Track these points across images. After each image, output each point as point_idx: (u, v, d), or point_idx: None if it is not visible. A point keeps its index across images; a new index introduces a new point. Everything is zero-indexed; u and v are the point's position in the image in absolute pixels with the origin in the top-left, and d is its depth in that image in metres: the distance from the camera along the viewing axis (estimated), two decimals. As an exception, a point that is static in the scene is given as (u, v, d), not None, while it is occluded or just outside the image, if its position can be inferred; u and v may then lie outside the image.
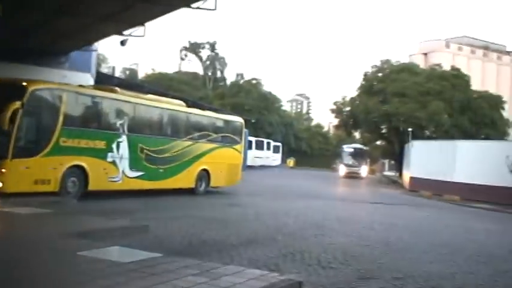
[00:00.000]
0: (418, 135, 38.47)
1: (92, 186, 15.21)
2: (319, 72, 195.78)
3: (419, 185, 30.75)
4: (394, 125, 40.10)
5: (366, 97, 43.61)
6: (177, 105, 19.50)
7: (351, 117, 45.65)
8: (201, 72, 78.57)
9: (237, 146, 22.39)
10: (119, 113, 16.50)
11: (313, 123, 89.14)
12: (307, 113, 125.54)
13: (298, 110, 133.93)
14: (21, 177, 13.18)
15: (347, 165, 48.60)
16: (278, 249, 9.60)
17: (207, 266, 6.86)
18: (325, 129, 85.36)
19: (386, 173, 69.59)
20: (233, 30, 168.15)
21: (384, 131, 44.84)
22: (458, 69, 44.16)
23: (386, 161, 79.16)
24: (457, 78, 41.95)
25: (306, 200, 22.10)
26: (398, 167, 44.27)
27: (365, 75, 46.05)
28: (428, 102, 38.70)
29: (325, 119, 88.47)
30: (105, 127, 15.92)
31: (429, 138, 38.02)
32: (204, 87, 71.94)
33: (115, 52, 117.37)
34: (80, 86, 16.26)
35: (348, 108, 46.46)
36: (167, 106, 18.64)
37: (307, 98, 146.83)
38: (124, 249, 7.73)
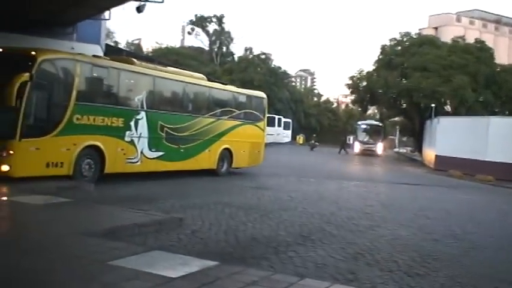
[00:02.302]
0: (440, 111, 36.76)
1: (109, 168, 13.63)
2: (323, 47, 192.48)
3: (446, 164, 29.10)
4: (415, 100, 38.21)
5: (384, 71, 41.62)
6: (199, 79, 17.79)
7: (368, 92, 43.73)
8: (206, 47, 76.48)
9: (260, 123, 20.74)
10: (138, 87, 14.81)
11: (323, 99, 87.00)
12: (314, 88, 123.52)
13: (303, 86, 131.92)
14: (31, 159, 11.58)
15: (362, 142, 47.15)
16: (341, 248, 8.06)
17: (281, 281, 5.32)
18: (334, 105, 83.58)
19: (398, 149, 68.18)
20: (236, 2, 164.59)
21: (403, 106, 42.91)
22: (482, 42, 42.10)
23: (396, 138, 77.73)
24: (482, 51, 39.94)
25: (333, 181, 20.64)
26: (418, 144, 42.55)
27: (382, 48, 44.00)
28: (452, 76, 36.76)
29: (331, 95, 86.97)
30: (122, 103, 14.27)
31: (451, 114, 36.19)
32: (212, 62, 69.89)
33: (117, 26, 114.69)
34: (94, 56, 14.53)
35: (364, 83, 44.51)
36: (189, 80, 16.93)
37: (312, 74, 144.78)
38: (167, 256, 6.17)
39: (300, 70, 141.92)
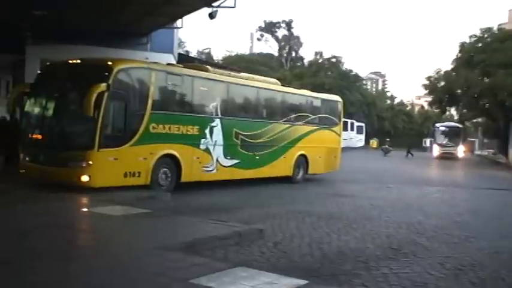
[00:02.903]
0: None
1: (185, 177, 13.47)
2: (394, 48, 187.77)
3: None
4: (500, 99, 35.95)
5: (463, 70, 39.51)
6: (273, 85, 17.40)
7: (447, 92, 41.69)
8: (275, 52, 76.37)
9: (336, 128, 20.08)
10: (212, 94, 14.59)
11: (396, 101, 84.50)
12: (386, 91, 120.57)
13: (374, 89, 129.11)
14: (109, 169, 11.58)
15: (441, 145, 45.10)
16: (439, 264, 7.31)
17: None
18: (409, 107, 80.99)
19: (479, 152, 64.90)
20: (305, 7, 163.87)
21: (486, 106, 40.55)
22: None
23: (476, 140, 74.13)
24: None
25: (414, 186, 19.56)
26: (503, 147, 40.07)
27: (462, 46, 41.86)
28: (541, 73, 34.26)
29: (403, 97, 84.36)
30: (197, 110, 14.08)
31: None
32: (281, 68, 69.66)
33: (188, 36, 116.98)
34: (169, 64, 14.45)
35: (442, 83, 42.48)
36: (263, 85, 16.57)
37: (383, 76, 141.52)
38: (252, 273, 5.72)
39: (371, 73, 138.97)
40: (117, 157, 11.72)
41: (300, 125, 17.82)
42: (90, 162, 11.24)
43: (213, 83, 14.54)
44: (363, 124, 57.66)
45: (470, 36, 41.38)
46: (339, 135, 20.40)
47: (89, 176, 11.23)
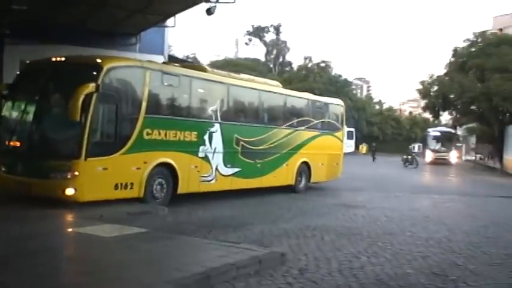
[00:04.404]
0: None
1: (182, 188, 12.13)
2: (378, 55, 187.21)
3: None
4: (496, 104, 35.14)
5: (457, 75, 38.69)
6: (274, 87, 16.15)
7: (440, 97, 40.83)
8: (262, 57, 75.24)
9: (338, 133, 18.90)
10: (211, 97, 13.28)
11: (385, 106, 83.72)
12: (374, 96, 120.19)
13: (358, 94, 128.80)
14: (98, 181, 10.19)
15: (434, 151, 44.39)
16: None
17: None
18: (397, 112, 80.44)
19: (468, 157, 64.29)
20: (291, 13, 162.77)
21: (480, 111, 39.70)
22: None
23: (463, 145, 73.62)
24: None
25: (422, 195, 18.49)
26: (497, 152, 39.27)
27: (455, 50, 41.06)
28: (536, 78, 33.57)
29: (389, 103, 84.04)
30: (195, 114, 12.75)
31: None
32: (270, 73, 68.53)
33: (173, 41, 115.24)
34: (164, 63, 13.12)
35: (435, 88, 41.64)
36: (264, 88, 15.31)
37: (367, 82, 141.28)
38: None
39: (355, 78, 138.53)
40: (107, 167, 10.34)
41: (302, 130, 16.59)
42: (76, 173, 9.84)
43: (212, 85, 13.23)
44: (352, 129, 56.61)
45: (464, 41, 40.64)
46: (342, 141, 19.24)
47: (75, 189, 9.82)
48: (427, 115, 55.53)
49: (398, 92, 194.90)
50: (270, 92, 15.42)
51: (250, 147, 14.30)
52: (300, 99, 17.16)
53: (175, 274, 5.75)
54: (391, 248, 8.56)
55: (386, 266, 7.27)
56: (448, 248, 8.86)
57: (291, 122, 16.10)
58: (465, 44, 40.66)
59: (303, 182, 16.86)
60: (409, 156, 38.61)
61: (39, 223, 8.34)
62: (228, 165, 13.60)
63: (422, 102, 45.02)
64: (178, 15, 18.41)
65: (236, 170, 13.89)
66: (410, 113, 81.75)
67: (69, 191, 9.78)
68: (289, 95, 16.51)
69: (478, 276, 7.01)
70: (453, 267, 7.47)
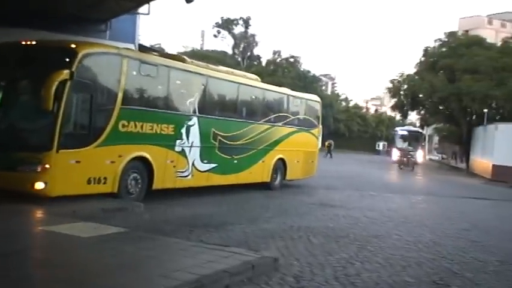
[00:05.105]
0: (491, 117, 34.24)
1: (157, 184, 11.55)
2: (343, 52, 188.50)
3: (505, 174, 26.65)
4: (465, 105, 35.50)
5: (427, 74, 38.91)
6: (253, 80, 15.64)
7: (409, 96, 41.02)
8: (229, 50, 74.42)
9: (314, 130, 18.59)
10: (190, 89, 12.67)
11: (351, 104, 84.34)
12: (340, 93, 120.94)
13: (324, 91, 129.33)
14: (70, 175, 9.52)
15: (401, 150, 44.65)
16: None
17: None
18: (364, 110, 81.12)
19: (430, 156, 65.39)
20: (259, 7, 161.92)
21: (449, 111, 40.09)
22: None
23: (425, 144, 74.86)
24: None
25: (396, 195, 18.44)
26: (463, 153, 39.82)
27: (425, 50, 41.29)
28: (505, 79, 34.01)
29: (354, 101, 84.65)
30: (173, 107, 12.13)
31: (505, 120, 33.34)
32: (238, 66, 67.91)
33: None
34: (142, 51, 12.44)
35: (405, 87, 41.82)
36: (244, 81, 14.79)
37: (332, 79, 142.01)
38: None
39: (321, 75, 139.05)
40: (80, 160, 9.68)
41: (279, 126, 16.17)
42: (47, 166, 9.16)
43: (191, 76, 12.61)
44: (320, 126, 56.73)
45: (435, 40, 40.90)
46: (317, 138, 18.93)
47: (45, 183, 9.14)
48: (393, 114, 55.94)
49: (362, 89, 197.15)
50: (249, 85, 14.93)
51: (227, 142, 13.80)
52: (278, 94, 16.73)
53: (163, 281, 5.22)
54: (382, 253, 8.22)
55: (382, 273, 6.91)
56: (437, 253, 8.61)
57: (268, 118, 15.65)
58: (436, 44, 40.97)
59: (278, 179, 16.47)
60: (405, 159, 36.68)
61: (7, 220, 7.63)
62: (205, 161, 13.06)
63: (392, 101, 45.20)
64: (152, 3, 17.67)
65: (213, 165, 13.37)
66: (376, 110, 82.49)
67: (39, 185, 9.09)
68: (268, 90, 16.04)
69: (477, 286, 6.75)
70: (451, 275, 7.17)
